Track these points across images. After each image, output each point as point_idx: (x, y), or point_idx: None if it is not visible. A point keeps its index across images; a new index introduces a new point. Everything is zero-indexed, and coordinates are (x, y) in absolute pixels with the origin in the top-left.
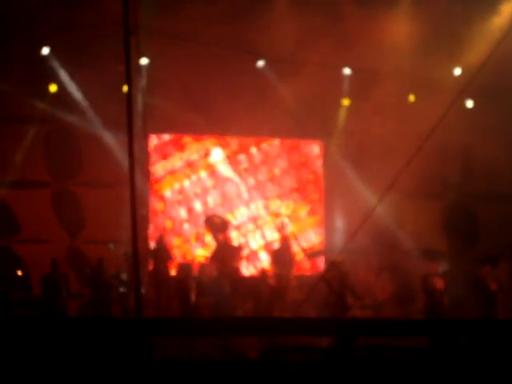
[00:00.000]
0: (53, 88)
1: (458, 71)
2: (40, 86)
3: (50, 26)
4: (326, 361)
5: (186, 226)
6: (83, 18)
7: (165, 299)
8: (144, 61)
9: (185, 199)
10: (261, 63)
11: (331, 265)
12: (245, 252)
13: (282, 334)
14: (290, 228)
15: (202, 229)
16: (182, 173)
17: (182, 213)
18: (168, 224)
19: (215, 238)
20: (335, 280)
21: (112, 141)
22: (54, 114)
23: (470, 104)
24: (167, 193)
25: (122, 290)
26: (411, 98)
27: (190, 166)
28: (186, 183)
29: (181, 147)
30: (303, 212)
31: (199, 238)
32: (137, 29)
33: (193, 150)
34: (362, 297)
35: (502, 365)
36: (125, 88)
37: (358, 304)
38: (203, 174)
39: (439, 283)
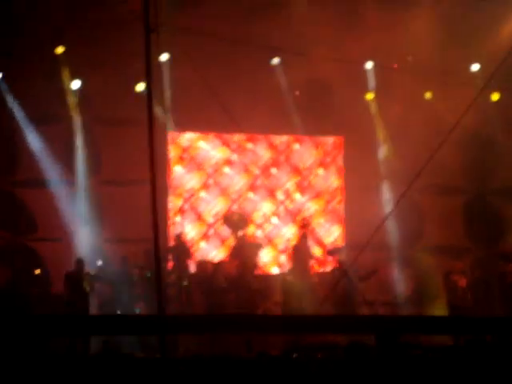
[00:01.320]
0: (75, 85)
1: (475, 66)
2: (57, 85)
3: (65, 24)
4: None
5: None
6: (100, 15)
7: (186, 296)
8: (164, 56)
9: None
10: (275, 60)
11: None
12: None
13: (317, 331)
14: (312, 224)
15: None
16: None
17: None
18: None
19: (234, 235)
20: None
21: (132, 138)
22: (73, 113)
23: (495, 97)
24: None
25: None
26: (428, 94)
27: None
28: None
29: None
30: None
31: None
32: (157, 26)
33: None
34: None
35: None
36: (138, 87)
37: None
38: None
39: (462, 280)
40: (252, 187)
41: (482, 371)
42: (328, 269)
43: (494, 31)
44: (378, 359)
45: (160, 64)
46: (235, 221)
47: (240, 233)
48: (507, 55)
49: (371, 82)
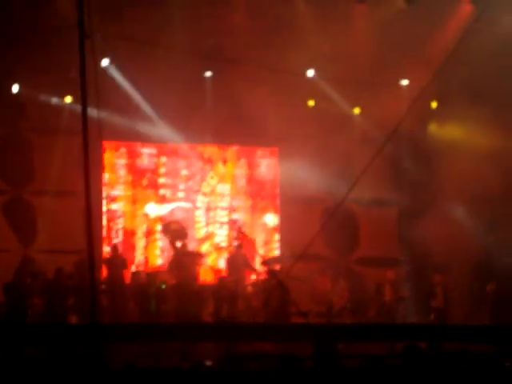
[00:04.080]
0: (13, 89)
1: (405, 81)
2: None
3: None
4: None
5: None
6: (34, 22)
7: (120, 307)
8: (105, 62)
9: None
10: (208, 73)
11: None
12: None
13: (254, 339)
14: (247, 233)
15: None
16: None
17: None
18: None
19: (172, 244)
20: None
21: (66, 148)
22: (7, 121)
23: (434, 105)
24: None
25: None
26: (356, 110)
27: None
28: None
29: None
30: (260, 219)
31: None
32: (92, 33)
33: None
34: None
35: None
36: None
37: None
38: None
39: (392, 290)
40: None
41: (420, 379)
42: (263, 279)
43: (425, 46)
44: (314, 368)
45: (96, 71)
46: (173, 231)
47: (179, 243)
48: (439, 69)
49: (305, 92)
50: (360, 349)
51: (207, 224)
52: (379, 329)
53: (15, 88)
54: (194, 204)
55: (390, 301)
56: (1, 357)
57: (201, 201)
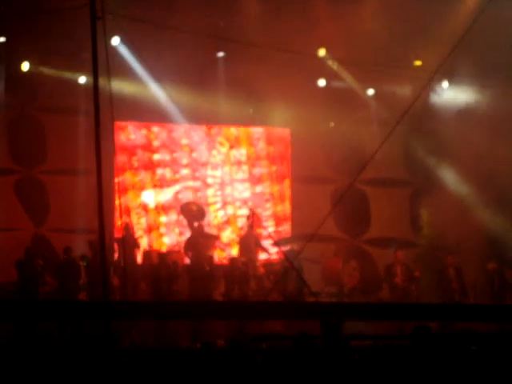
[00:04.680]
0: (23, 67)
1: (417, 62)
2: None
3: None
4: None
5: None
6: (44, 2)
7: (131, 287)
8: (116, 41)
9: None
10: (221, 53)
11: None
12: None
13: (263, 318)
14: (258, 215)
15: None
16: None
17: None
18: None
19: (190, 225)
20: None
21: (78, 128)
22: (19, 101)
23: (445, 85)
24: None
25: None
26: (369, 90)
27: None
28: None
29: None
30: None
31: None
32: (104, 13)
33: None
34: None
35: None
36: (79, 79)
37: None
38: None
39: (403, 271)
40: (196, 177)
41: (430, 359)
42: (275, 260)
43: (437, 26)
44: (322, 346)
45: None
46: (193, 211)
47: (196, 224)
48: (451, 51)
49: (315, 74)
50: (370, 329)
51: (224, 204)
52: (386, 308)
53: (25, 67)
54: (203, 181)
55: (401, 281)
56: (13, 333)
57: (211, 175)
